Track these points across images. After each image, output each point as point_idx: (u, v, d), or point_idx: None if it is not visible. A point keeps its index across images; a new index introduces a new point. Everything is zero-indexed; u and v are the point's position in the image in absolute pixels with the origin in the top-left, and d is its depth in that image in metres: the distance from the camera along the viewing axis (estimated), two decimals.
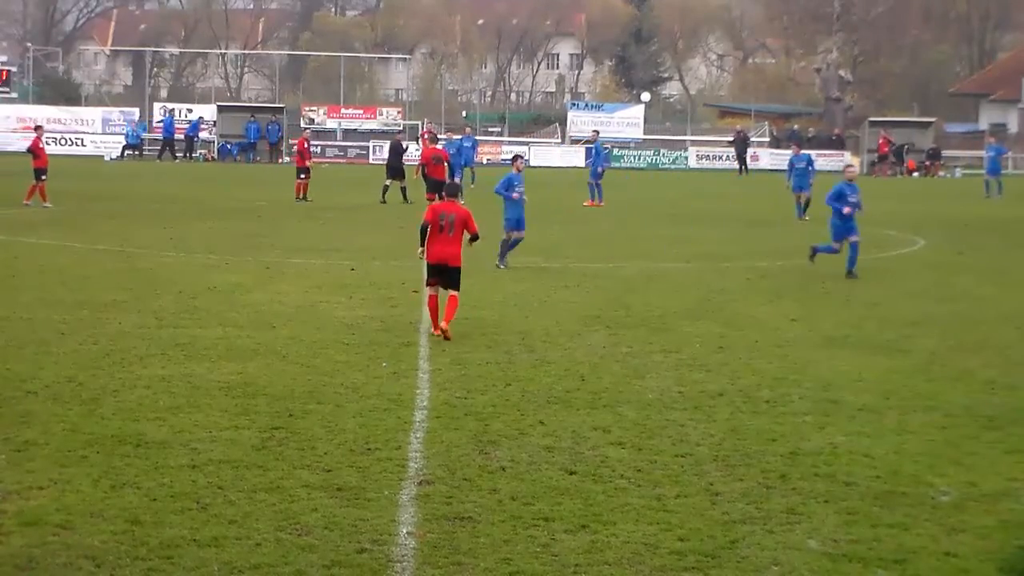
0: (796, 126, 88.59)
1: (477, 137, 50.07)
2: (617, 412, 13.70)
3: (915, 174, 78.41)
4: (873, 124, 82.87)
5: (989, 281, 25.97)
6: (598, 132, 54.10)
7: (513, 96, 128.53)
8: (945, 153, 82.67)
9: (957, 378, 15.88)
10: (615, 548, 9.55)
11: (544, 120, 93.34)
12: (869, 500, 10.76)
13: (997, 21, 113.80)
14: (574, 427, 12.99)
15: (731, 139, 79.73)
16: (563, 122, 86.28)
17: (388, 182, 44.67)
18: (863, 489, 11.05)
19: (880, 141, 79.19)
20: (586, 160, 46.47)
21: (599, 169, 45.63)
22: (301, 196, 44.15)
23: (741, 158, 75.25)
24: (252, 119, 78.79)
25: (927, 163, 79.84)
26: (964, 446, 12.54)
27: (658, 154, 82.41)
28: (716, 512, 10.40)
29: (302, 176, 44.66)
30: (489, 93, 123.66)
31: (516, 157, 27.39)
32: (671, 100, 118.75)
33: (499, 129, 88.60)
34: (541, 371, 15.83)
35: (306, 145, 46.14)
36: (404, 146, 46.92)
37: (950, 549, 9.61)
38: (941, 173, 79.20)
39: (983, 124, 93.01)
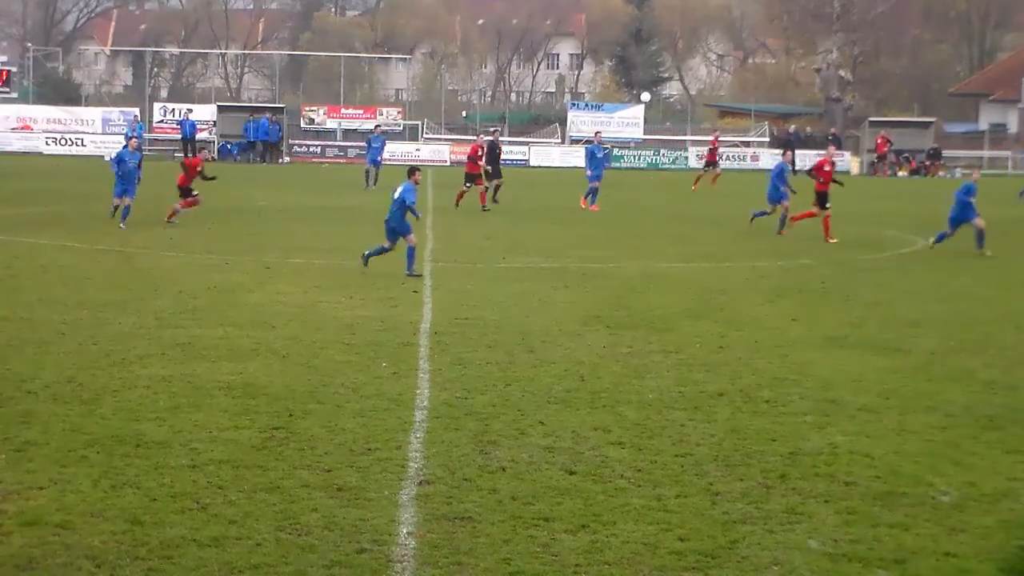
0: (794, 126, 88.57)
1: (490, 138, 47.58)
2: (617, 412, 13.71)
3: (915, 175, 78.43)
4: (873, 124, 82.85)
5: (989, 281, 25.99)
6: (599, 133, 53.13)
7: (513, 96, 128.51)
8: (945, 153, 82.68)
9: (957, 378, 15.89)
10: (615, 548, 9.56)
11: (544, 120, 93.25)
12: (869, 500, 10.76)
13: (997, 21, 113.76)
14: (574, 427, 13.00)
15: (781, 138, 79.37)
16: (563, 122, 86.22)
17: (496, 182, 43.48)
18: (863, 489, 11.06)
19: (878, 141, 79.18)
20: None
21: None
22: (484, 204, 41.98)
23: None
24: (251, 118, 78.70)
25: (927, 163, 79.89)
26: (964, 446, 12.55)
27: (658, 154, 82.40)
28: (716, 512, 10.40)
29: (467, 185, 42.27)
30: (489, 93, 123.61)
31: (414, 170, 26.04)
32: (671, 100, 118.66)
33: (499, 129, 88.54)
34: (541, 371, 15.83)
35: (480, 152, 43.16)
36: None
37: (950, 549, 9.62)
38: (941, 173, 79.21)
39: (983, 124, 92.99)
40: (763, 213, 35.62)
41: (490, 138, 45.36)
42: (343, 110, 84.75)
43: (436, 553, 9.33)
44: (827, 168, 34.38)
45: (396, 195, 25.13)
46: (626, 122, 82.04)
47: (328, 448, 11.99)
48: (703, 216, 41.65)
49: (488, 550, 9.44)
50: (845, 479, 11.34)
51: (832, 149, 39.56)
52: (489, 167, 43.62)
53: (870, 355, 17.31)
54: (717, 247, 31.55)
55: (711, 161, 60.04)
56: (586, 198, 42.99)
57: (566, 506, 10.45)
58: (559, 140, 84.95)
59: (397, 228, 25.07)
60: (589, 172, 43.18)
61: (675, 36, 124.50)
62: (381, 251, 25.32)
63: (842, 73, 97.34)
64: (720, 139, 68.85)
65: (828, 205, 33.54)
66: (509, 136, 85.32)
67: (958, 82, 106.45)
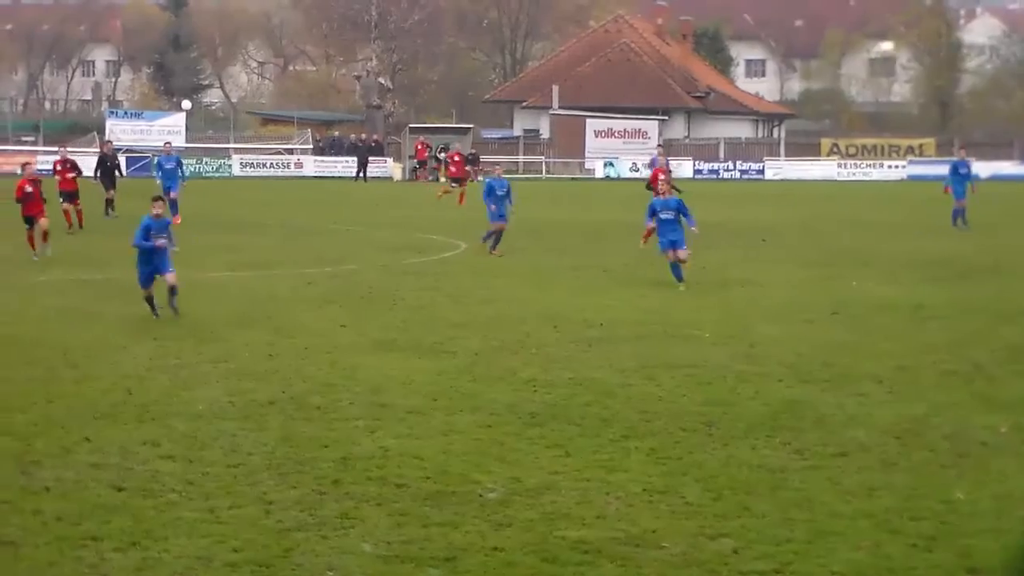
0: (337, 132, 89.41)
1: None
2: (166, 425, 13.46)
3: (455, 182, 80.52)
4: (413, 130, 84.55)
5: (527, 282, 26.85)
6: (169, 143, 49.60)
7: (48, 104, 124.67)
8: (483, 158, 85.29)
9: (500, 377, 16.34)
10: (167, 564, 9.38)
11: (81, 128, 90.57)
12: (419, 501, 10.94)
13: (527, 31, 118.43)
14: (122, 442, 12.67)
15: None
16: (102, 130, 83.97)
17: None
18: (414, 490, 11.23)
19: (417, 147, 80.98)
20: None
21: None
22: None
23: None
24: None
25: (466, 168, 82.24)
26: (508, 443, 12.91)
27: (201, 162, 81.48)
28: (270, 521, 10.35)
29: (454, 185, 55.28)
30: (22, 101, 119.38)
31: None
32: (213, 108, 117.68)
33: (33, 138, 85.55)
34: (86, 386, 15.38)
35: (457, 158, 57.84)
36: None
37: (497, 544, 9.87)
38: (480, 178, 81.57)
39: (517, 130, 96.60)
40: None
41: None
42: None
43: None
44: (662, 177, 33.04)
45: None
46: (167, 130, 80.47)
47: None
48: (248, 224, 41.38)
49: (31, 575, 9.08)
50: (396, 481, 11.48)
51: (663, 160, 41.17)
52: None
53: (417, 358, 17.61)
54: (263, 255, 31.45)
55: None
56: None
57: (115, 524, 10.17)
58: (97, 149, 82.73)
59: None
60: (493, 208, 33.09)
61: (214, 43, 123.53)
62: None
63: (382, 80, 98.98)
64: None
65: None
66: (44, 146, 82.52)
67: (493, 89, 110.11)
